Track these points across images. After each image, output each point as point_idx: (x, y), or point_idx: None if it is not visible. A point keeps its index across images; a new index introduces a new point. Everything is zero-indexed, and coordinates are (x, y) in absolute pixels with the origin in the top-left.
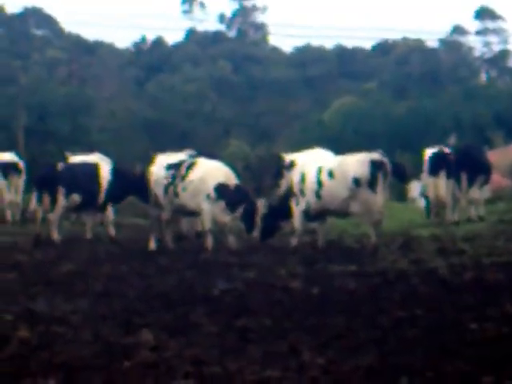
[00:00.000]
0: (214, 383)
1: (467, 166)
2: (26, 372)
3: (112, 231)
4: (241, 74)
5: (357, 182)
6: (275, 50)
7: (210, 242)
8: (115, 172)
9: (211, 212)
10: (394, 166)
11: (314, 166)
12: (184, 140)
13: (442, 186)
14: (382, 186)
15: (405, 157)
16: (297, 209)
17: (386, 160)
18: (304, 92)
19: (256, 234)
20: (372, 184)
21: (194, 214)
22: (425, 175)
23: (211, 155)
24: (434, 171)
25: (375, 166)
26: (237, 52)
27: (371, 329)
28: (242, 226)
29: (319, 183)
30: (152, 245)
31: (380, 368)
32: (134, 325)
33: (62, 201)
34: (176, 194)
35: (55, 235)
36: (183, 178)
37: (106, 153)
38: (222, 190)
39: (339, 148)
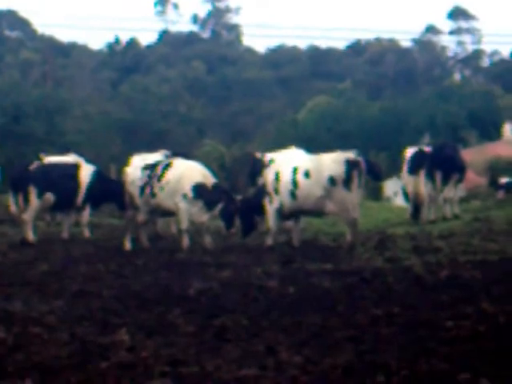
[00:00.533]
0: (192, 383)
1: (442, 164)
2: (3, 373)
3: (87, 233)
4: (215, 74)
5: (332, 181)
6: (249, 50)
7: (186, 241)
8: (97, 175)
9: (188, 212)
10: (368, 165)
11: (289, 166)
12: (159, 140)
13: (421, 183)
14: (358, 185)
15: (379, 156)
16: (270, 207)
17: (361, 159)
18: (278, 92)
19: (234, 230)
20: (347, 183)
21: (170, 214)
22: (405, 174)
23: (186, 155)
24: (414, 170)
25: (350, 165)
26: (211, 53)
27: (348, 327)
28: (220, 224)
29: (294, 183)
30: (127, 245)
31: (357, 366)
32: (111, 325)
33: (35, 201)
34: (153, 195)
35: (30, 236)
36: (159, 178)
37: (81, 154)
38: (199, 189)
39: (314, 147)
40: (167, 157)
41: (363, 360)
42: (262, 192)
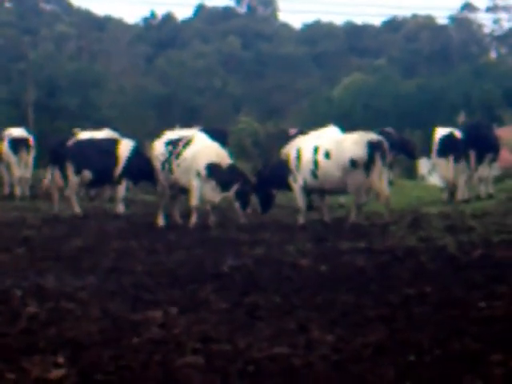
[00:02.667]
0: (223, 360)
1: (476, 143)
2: (35, 348)
3: (122, 208)
4: (250, 50)
5: (353, 163)
6: (285, 26)
7: (194, 219)
8: (136, 150)
9: (200, 190)
10: (403, 143)
11: (310, 144)
12: (193, 116)
13: (450, 168)
14: (380, 167)
15: (414, 134)
16: (296, 186)
17: (383, 140)
18: (313, 68)
19: (250, 211)
20: (369, 165)
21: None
22: (434, 156)
23: (221, 131)
24: (442, 153)
25: (373, 146)
26: (246, 28)
27: (380, 306)
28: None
29: (315, 163)
30: (160, 221)
31: (388, 345)
32: (143, 301)
33: (73, 177)
34: (171, 171)
35: (77, 209)
36: (178, 155)
37: (115, 129)
38: (212, 168)
39: (349, 125)
40: (203, 131)
41: (395, 339)
42: (282, 167)
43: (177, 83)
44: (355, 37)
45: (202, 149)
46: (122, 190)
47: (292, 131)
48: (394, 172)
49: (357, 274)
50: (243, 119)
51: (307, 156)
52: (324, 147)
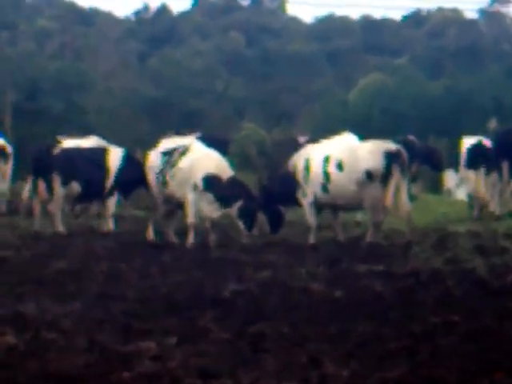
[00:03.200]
0: None
1: (509, 153)
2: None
3: (111, 225)
4: (255, 47)
5: (369, 175)
6: (294, 20)
7: (191, 238)
8: (127, 160)
9: (196, 205)
10: (427, 153)
11: (320, 154)
12: (191, 122)
13: (480, 181)
14: (399, 179)
15: (440, 142)
16: (305, 201)
17: (402, 149)
18: (326, 68)
19: (257, 232)
20: (386, 178)
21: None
22: (462, 167)
23: (222, 139)
24: (471, 165)
25: (390, 157)
26: (251, 23)
27: (401, 337)
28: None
29: (326, 175)
30: (149, 235)
31: (411, 381)
32: (135, 331)
33: (59, 190)
34: (164, 183)
35: (60, 227)
36: (173, 165)
37: (103, 136)
38: (211, 180)
39: (365, 132)
40: (201, 140)
41: (418, 374)
42: (289, 179)
43: (172, 85)
44: (373, 33)
45: (199, 158)
46: (112, 204)
47: (302, 139)
48: (416, 185)
49: (375, 301)
50: (247, 125)
51: (317, 167)
52: (336, 157)
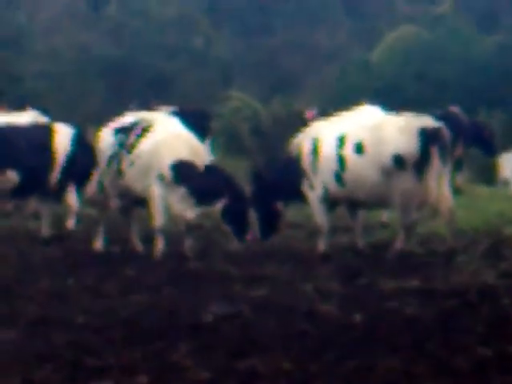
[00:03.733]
0: None
1: None
2: None
3: (70, 224)
4: None
5: (398, 161)
6: None
7: (160, 245)
8: (78, 141)
9: (164, 201)
10: (476, 131)
11: (333, 133)
12: (162, 90)
13: None
14: (440, 167)
15: (493, 116)
16: (312, 195)
17: (444, 127)
18: (342, 18)
19: (250, 237)
20: (422, 165)
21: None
22: None
23: (201, 113)
24: None
25: (427, 136)
26: None
27: (442, 375)
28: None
29: (341, 161)
30: (98, 244)
31: None
32: (85, 368)
33: None
34: (120, 172)
35: None
36: (131, 148)
37: (45, 110)
38: (182, 169)
39: (394, 103)
40: (174, 115)
41: None
42: (292, 167)
43: (136, 41)
44: None
45: (166, 139)
46: (73, 200)
47: (310, 113)
48: (462, 174)
49: (407, 328)
50: (236, 95)
51: (328, 151)
52: (354, 137)
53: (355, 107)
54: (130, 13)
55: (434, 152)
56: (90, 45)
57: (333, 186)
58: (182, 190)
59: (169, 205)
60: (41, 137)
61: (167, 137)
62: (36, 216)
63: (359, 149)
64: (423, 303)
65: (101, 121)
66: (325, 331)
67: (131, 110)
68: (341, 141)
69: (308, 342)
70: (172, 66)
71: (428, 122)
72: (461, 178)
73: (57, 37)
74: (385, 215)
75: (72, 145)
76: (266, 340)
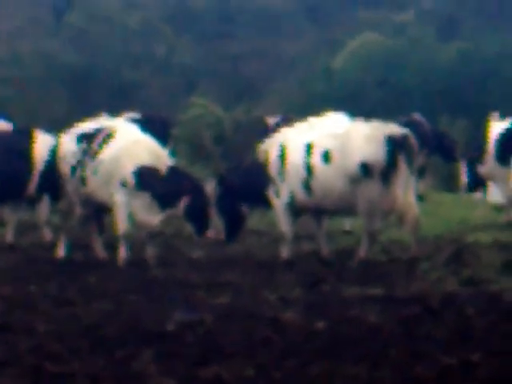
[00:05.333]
0: None
1: None
2: None
3: (48, 234)
4: None
5: (366, 169)
6: None
7: (123, 252)
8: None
9: (127, 208)
10: (438, 138)
11: (300, 140)
12: (125, 98)
13: None
14: (406, 175)
15: (455, 124)
16: (278, 202)
17: (410, 134)
18: (304, 25)
19: (212, 234)
20: (388, 173)
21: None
22: (490, 159)
23: (162, 120)
24: (503, 158)
25: (394, 144)
26: None
27: (405, 382)
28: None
29: (308, 169)
30: (60, 251)
31: None
32: (48, 375)
33: None
34: (83, 180)
35: None
36: (94, 155)
37: (8, 117)
38: (145, 174)
39: (357, 110)
40: (135, 122)
41: None
42: (257, 172)
43: (99, 48)
44: None
45: (127, 145)
46: (45, 209)
47: (271, 120)
48: (424, 182)
49: (370, 335)
50: (199, 102)
51: (296, 158)
52: (321, 145)
53: (319, 114)
54: (93, 19)
55: (401, 160)
56: (53, 52)
57: (300, 194)
58: (145, 196)
59: (133, 212)
60: (20, 145)
61: (128, 143)
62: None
63: (326, 157)
64: (385, 310)
65: (64, 128)
66: (288, 339)
67: (98, 117)
68: (308, 149)
69: (271, 349)
70: (134, 73)
71: (394, 129)
72: (423, 185)
73: (20, 43)
74: (347, 223)
75: (50, 154)
76: (228, 348)
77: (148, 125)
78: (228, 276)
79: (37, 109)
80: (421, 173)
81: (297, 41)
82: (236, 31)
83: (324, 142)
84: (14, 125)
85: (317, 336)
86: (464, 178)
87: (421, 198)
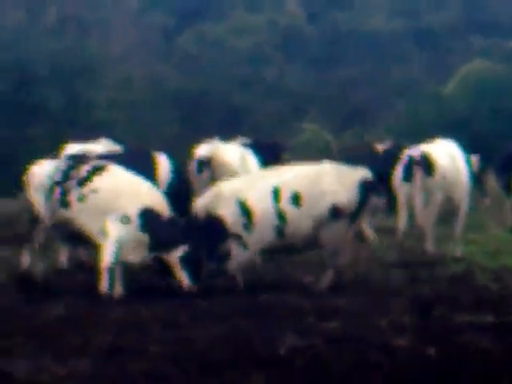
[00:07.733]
0: None
1: None
2: None
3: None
4: (320, 23)
5: (335, 213)
6: None
7: (104, 284)
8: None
9: (121, 244)
10: None
11: (264, 183)
12: (233, 122)
13: None
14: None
15: None
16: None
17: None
18: (414, 51)
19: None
20: (357, 214)
21: (82, 239)
22: None
23: (275, 145)
24: None
25: (368, 188)
26: None
27: None
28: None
29: (280, 216)
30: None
31: None
32: None
33: None
34: (65, 204)
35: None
36: (83, 181)
37: (116, 139)
38: (151, 218)
39: (467, 136)
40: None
41: None
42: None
43: (209, 72)
44: (477, 5)
45: (131, 183)
46: None
47: (381, 146)
48: None
49: (483, 361)
50: (310, 127)
51: (265, 207)
52: (289, 187)
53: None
54: (202, 43)
55: (371, 202)
56: (163, 74)
57: (272, 238)
58: (143, 237)
59: (124, 248)
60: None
61: (132, 181)
62: None
63: (296, 200)
64: (499, 336)
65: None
66: (398, 364)
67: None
68: (275, 193)
69: (382, 374)
70: (244, 97)
71: (366, 173)
72: None
73: (130, 65)
74: (459, 249)
75: (172, 178)
76: (340, 372)
77: (260, 150)
78: (338, 300)
79: (145, 131)
80: None
81: (406, 65)
82: (345, 55)
83: (292, 183)
84: (124, 147)
85: (428, 362)
86: None
87: None
